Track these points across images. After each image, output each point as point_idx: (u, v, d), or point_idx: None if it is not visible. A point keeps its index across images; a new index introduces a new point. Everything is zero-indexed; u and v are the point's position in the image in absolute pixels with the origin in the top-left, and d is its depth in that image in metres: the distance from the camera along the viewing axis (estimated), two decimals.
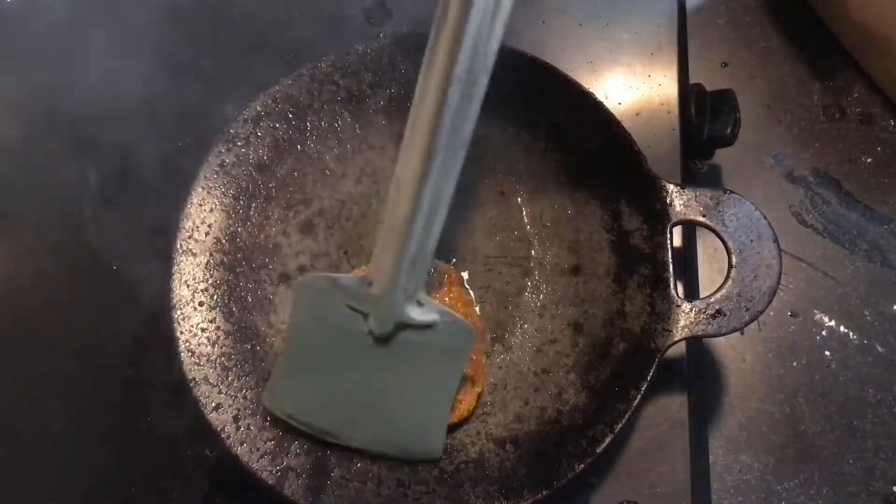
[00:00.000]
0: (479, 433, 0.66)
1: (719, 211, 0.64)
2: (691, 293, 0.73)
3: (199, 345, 0.67)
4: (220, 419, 0.64)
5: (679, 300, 0.63)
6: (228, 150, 0.73)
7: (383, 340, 0.62)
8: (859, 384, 0.76)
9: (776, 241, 0.62)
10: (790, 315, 0.79)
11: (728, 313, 0.61)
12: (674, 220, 0.65)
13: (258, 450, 0.64)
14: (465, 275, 0.72)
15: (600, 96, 0.70)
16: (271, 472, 0.63)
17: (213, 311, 0.69)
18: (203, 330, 0.68)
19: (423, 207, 0.56)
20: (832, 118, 0.88)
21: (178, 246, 0.70)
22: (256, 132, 0.74)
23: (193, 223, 0.71)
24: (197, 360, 0.66)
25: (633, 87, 0.80)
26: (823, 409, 0.75)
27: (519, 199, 0.75)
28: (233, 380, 0.67)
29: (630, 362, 0.64)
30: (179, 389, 0.66)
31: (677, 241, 0.72)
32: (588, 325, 0.69)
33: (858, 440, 0.74)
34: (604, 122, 0.69)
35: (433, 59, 0.54)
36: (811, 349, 0.77)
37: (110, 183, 0.82)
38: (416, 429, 0.64)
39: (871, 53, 0.86)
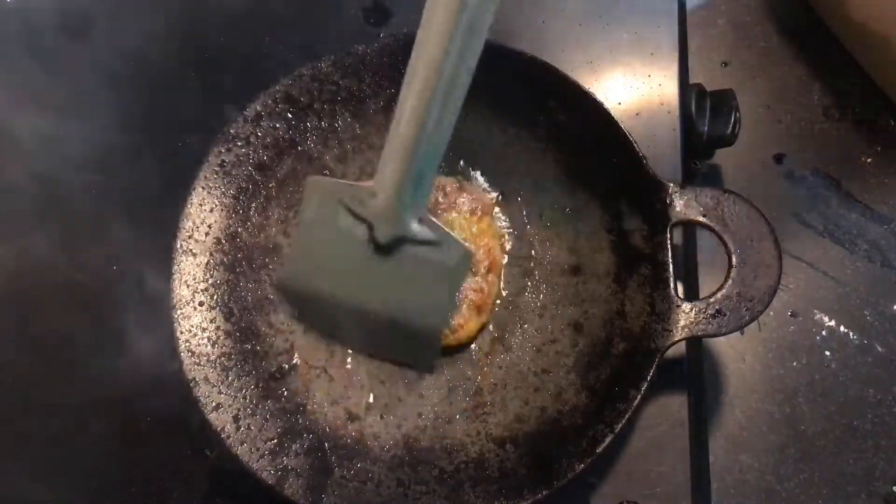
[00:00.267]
0: (479, 433, 0.66)
1: (719, 211, 0.63)
2: (691, 293, 0.73)
3: (199, 345, 0.67)
4: (220, 419, 0.64)
5: (679, 300, 0.63)
6: (228, 150, 0.73)
7: (383, 251, 0.62)
8: (859, 384, 0.76)
9: (776, 241, 0.62)
10: (790, 315, 0.79)
11: (728, 313, 0.61)
12: (674, 220, 0.65)
13: (258, 450, 0.64)
14: None
15: (600, 96, 0.70)
16: (271, 472, 0.63)
17: (213, 311, 0.69)
18: (203, 330, 0.68)
19: (428, 125, 0.56)
20: (832, 118, 0.88)
21: (178, 246, 0.70)
22: (256, 132, 0.74)
23: (193, 223, 0.71)
24: (197, 360, 0.66)
25: (633, 87, 0.80)
26: (823, 409, 0.75)
27: (519, 199, 0.75)
28: (233, 380, 0.67)
29: (630, 362, 0.64)
30: (179, 389, 0.66)
31: (677, 241, 0.72)
32: (588, 325, 0.69)
33: (858, 440, 0.74)
34: (604, 122, 0.69)
35: None
36: (811, 349, 0.77)
37: (110, 182, 0.82)
38: (410, 340, 0.66)
39: (871, 53, 0.86)
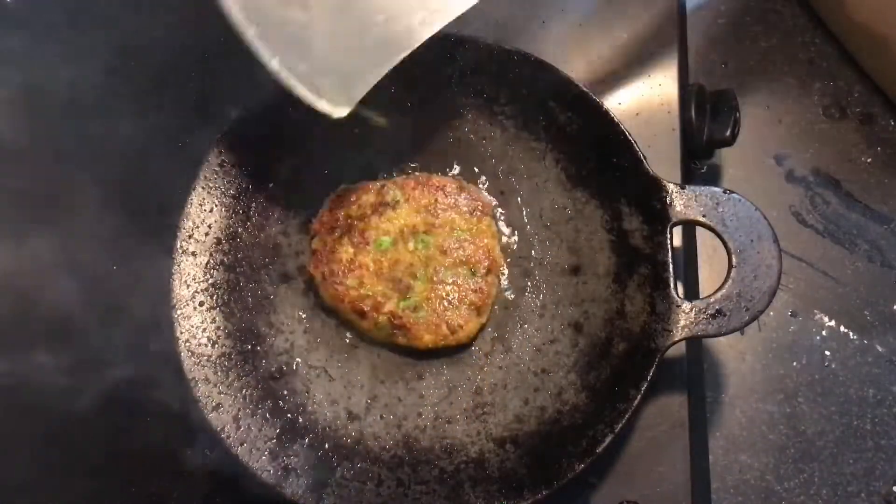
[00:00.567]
0: (479, 433, 0.66)
1: (719, 211, 0.63)
2: (691, 293, 0.73)
3: (199, 345, 0.67)
4: (220, 419, 0.64)
5: (679, 300, 0.63)
6: (228, 150, 0.73)
7: None
8: (859, 384, 0.76)
9: (776, 241, 0.62)
10: (790, 315, 0.79)
11: (728, 313, 0.61)
12: (674, 220, 0.65)
13: (258, 450, 0.64)
14: None
15: (600, 96, 0.70)
16: (271, 472, 0.63)
17: (213, 311, 0.69)
18: (203, 330, 0.68)
19: None
20: (832, 118, 0.88)
21: (178, 246, 0.70)
22: (256, 132, 0.74)
23: (193, 223, 0.71)
24: (197, 360, 0.66)
25: (633, 87, 0.80)
26: (823, 409, 0.75)
27: (519, 199, 0.75)
28: (233, 380, 0.67)
29: (630, 362, 0.64)
30: (179, 389, 0.66)
31: (677, 241, 0.72)
32: (588, 325, 0.69)
33: (858, 440, 0.74)
34: (604, 122, 0.69)
35: None
36: (811, 349, 0.77)
37: (109, 182, 0.81)
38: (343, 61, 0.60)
39: (871, 53, 0.86)
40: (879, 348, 0.77)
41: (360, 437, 0.67)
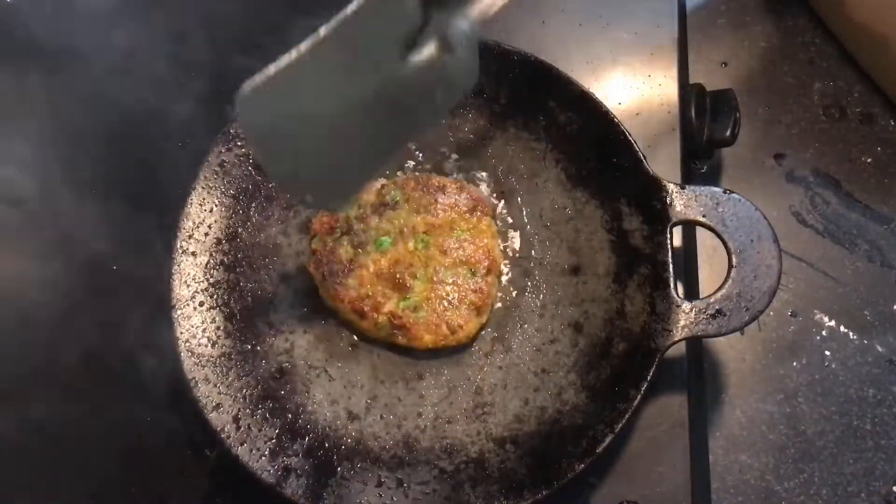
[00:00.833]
0: (479, 433, 0.66)
1: (719, 211, 0.64)
2: (691, 293, 0.73)
3: (199, 345, 0.67)
4: (220, 419, 0.64)
5: (679, 300, 0.63)
6: (228, 150, 0.73)
7: (410, 47, 0.56)
8: (859, 384, 0.76)
9: (776, 241, 0.62)
10: (790, 315, 0.79)
11: (728, 313, 0.61)
12: (674, 220, 0.65)
13: (258, 450, 0.64)
14: None
15: (600, 96, 0.70)
16: (271, 472, 0.63)
17: (213, 311, 0.69)
18: (203, 330, 0.68)
19: None
20: (832, 118, 0.88)
21: (178, 246, 0.70)
22: None
23: (193, 223, 0.71)
24: (197, 360, 0.66)
25: (633, 87, 0.80)
26: (823, 409, 0.75)
27: (519, 199, 0.75)
28: (233, 380, 0.67)
29: (630, 362, 0.64)
30: (179, 389, 0.66)
31: (677, 241, 0.72)
32: (588, 325, 0.69)
33: (858, 440, 0.74)
34: (604, 122, 0.69)
35: None
36: (811, 349, 0.77)
37: (110, 183, 0.81)
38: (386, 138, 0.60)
39: (871, 53, 0.86)
40: (879, 348, 0.77)
41: (360, 437, 0.67)
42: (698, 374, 0.75)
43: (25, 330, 0.77)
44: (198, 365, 0.66)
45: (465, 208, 0.72)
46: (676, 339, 0.62)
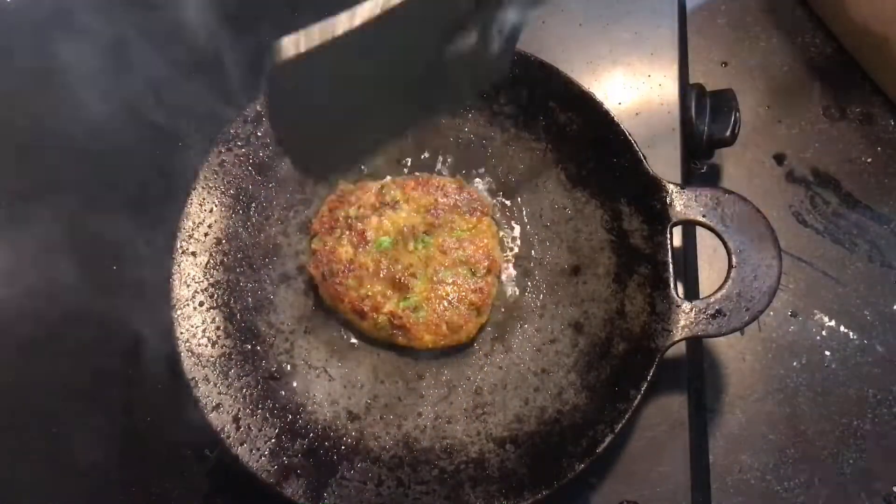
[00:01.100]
0: (479, 433, 0.66)
1: (719, 211, 0.64)
2: (691, 293, 0.73)
3: (199, 345, 0.67)
4: (220, 419, 0.64)
5: (679, 300, 0.63)
6: (228, 150, 0.73)
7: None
8: (859, 384, 0.76)
9: (776, 241, 0.62)
10: (790, 315, 0.79)
11: (728, 313, 0.61)
12: (674, 220, 0.65)
13: (258, 450, 0.64)
14: None
15: (600, 96, 0.70)
16: (271, 472, 0.63)
17: (213, 311, 0.69)
18: (203, 330, 0.68)
19: None
20: (832, 118, 0.88)
21: (178, 246, 0.70)
22: (256, 132, 0.74)
23: (193, 223, 0.71)
24: (197, 360, 0.66)
25: (633, 87, 0.80)
26: (823, 409, 0.75)
27: (519, 199, 0.75)
28: (233, 380, 0.67)
29: (630, 362, 0.64)
30: (179, 389, 0.66)
31: (677, 241, 0.72)
32: (588, 325, 0.69)
33: (858, 440, 0.74)
34: (604, 122, 0.69)
35: None
36: (811, 349, 0.77)
37: (110, 183, 0.81)
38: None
39: (871, 53, 0.86)
40: (879, 348, 0.77)
41: (360, 437, 0.67)
42: (698, 374, 0.75)
43: (25, 330, 0.77)
44: (198, 365, 0.66)
45: (465, 208, 0.72)
46: (676, 339, 0.62)
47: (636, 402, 0.61)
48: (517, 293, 0.72)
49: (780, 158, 0.86)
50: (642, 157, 0.67)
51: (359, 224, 0.71)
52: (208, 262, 0.71)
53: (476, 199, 0.72)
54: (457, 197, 0.72)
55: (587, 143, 0.71)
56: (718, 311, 0.61)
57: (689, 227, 0.73)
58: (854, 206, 0.83)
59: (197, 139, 0.76)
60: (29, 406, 0.74)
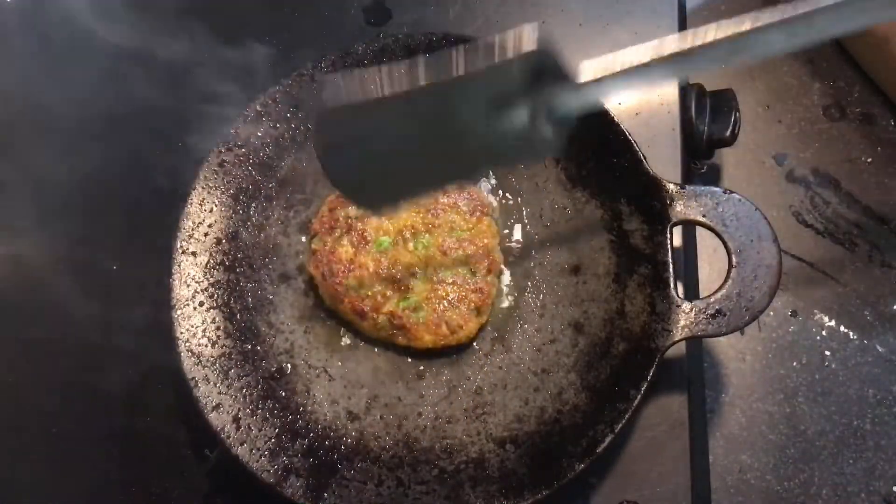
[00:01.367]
0: (479, 433, 0.66)
1: (719, 211, 0.63)
2: (691, 293, 0.73)
3: (199, 345, 0.67)
4: (220, 419, 0.64)
5: (679, 300, 0.63)
6: (228, 150, 0.73)
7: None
8: (859, 384, 0.76)
9: (776, 241, 0.62)
10: (790, 315, 0.79)
11: (728, 313, 0.61)
12: (674, 220, 0.65)
13: (258, 450, 0.64)
14: None
15: None
16: (271, 472, 0.63)
17: (213, 311, 0.69)
18: (203, 330, 0.68)
19: None
20: (832, 118, 0.88)
21: (178, 246, 0.70)
22: (256, 132, 0.74)
23: (193, 223, 0.71)
24: (197, 360, 0.66)
25: None
26: (823, 409, 0.75)
27: (519, 199, 0.75)
28: (233, 380, 0.67)
29: (630, 362, 0.64)
30: (179, 389, 0.66)
31: (677, 241, 0.72)
32: (588, 325, 0.69)
33: (858, 440, 0.74)
34: (604, 122, 0.69)
35: None
36: (811, 349, 0.77)
37: (109, 182, 0.82)
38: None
39: (871, 53, 0.86)
40: (879, 348, 0.77)
41: (360, 437, 0.67)
42: (698, 374, 0.75)
43: (25, 330, 0.77)
44: (198, 365, 0.66)
45: (465, 208, 0.72)
46: (676, 339, 0.61)
47: (636, 402, 0.61)
48: (517, 293, 0.72)
49: (780, 158, 0.86)
50: (642, 157, 0.67)
51: (359, 224, 0.71)
52: (208, 262, 0.71)
53: (476, 199, 0.72)
54: (457, 197, 0.72)
55: (587, 143, 0.71)
56: (718, 311, 0.61)
57: (689, 227, 0.73)
58: (854, 206, 0.83)
59: (197, 139, 0.76)
60: (29, 406, 0.74)
